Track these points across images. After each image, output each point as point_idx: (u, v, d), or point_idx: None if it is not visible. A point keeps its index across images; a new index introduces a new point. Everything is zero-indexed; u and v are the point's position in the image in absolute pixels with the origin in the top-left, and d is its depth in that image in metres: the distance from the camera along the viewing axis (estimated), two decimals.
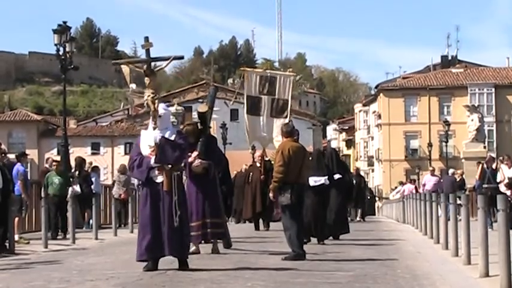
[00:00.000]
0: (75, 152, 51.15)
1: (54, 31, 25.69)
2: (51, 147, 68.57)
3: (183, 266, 9.97)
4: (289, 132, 12.24)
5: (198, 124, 13.12)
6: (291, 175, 11.76)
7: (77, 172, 22.94)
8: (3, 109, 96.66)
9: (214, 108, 14.19)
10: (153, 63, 10.74)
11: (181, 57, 11.14)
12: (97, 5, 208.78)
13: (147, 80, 10.52)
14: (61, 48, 25.69)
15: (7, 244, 14.18)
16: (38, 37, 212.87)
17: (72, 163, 24.46)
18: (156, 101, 10.27)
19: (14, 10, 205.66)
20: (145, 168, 10.02)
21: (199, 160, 12.49)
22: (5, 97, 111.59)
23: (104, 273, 9.79)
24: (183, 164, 12.40)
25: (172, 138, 10.12)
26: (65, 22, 25.88)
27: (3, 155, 15.18)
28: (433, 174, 30.34)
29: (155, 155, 9.97)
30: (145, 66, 10.59)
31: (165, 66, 11.13)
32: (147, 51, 10.60)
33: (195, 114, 44.19)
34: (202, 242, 12.76)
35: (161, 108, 10.36)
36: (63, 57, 25.64)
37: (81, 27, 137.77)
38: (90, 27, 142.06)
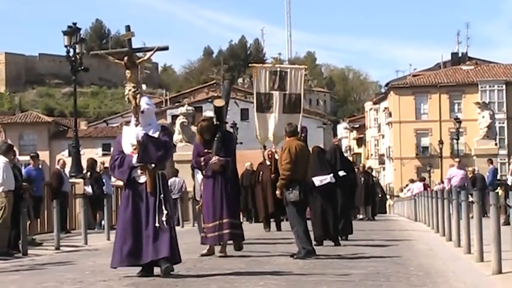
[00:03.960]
0: (86, 153, 51.29)
1: (64, 33, 25.71)
2: (62, 149, 68.87)
3: (167, 270, 9.16)
4: (293, 132, 12.34)
5: (214, 119, 12.40)
6: (299, 172, 11.83)
7: (89, 173, 23.02)
8: (14, 111, 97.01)
9: None
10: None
11: (166, 48, 10.21)
12: (106, 6, 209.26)
13: (128, 73, 9.70)
14: (71, 50, 25.73)
15: (20, 245, 14.24)
16: (48, 39, 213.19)
17: (84, 164, 24.51)
18: (138, 95, 9.57)
19: (23, 12, 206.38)
20: (127, 168, 9.34)
21: (216, 157, 11.83)
22: (15, 99, 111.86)
23: (116, 273, 9.79)
24: (202, 162, 11.99)
25: (156, 135, 9.42)
26: (74, 23, 25.89)
27: (13, 157, 15.19)
28: (459, 167, 26.67)
29: (137, 154, 9.28)
30: (126, 58, 9.77)
31: (148, 58, 10.33)
32: (129, 42, 9.84)
33: (205, 114, 44.19)
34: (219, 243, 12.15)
35: (144, 103, 9.59)
36: (73, 58, 25.68)
37: (90, 28, 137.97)
38: (100, 29, 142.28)
